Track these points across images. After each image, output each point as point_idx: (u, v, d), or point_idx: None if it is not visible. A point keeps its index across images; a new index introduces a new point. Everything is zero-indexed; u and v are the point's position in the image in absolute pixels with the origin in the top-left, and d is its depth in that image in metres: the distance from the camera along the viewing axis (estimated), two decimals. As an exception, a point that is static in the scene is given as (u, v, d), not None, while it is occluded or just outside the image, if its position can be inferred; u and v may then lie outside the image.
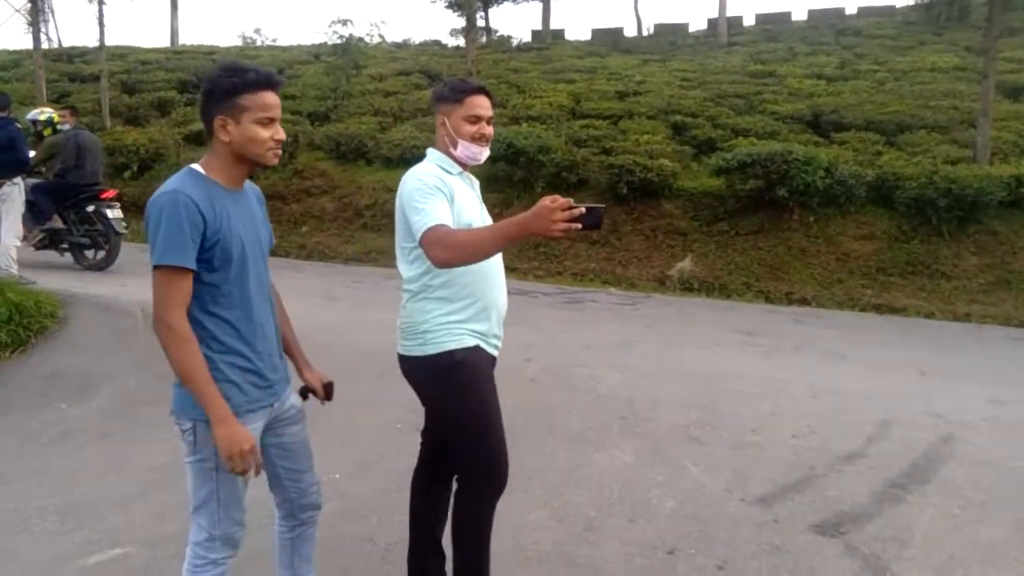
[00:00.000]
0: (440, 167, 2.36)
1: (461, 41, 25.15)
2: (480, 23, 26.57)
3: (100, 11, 16.04)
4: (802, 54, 19.23)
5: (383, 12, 35.60)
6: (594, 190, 11.07)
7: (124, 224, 8.37)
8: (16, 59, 21.73)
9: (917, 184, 9.52)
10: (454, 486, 2.50)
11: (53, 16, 28.61)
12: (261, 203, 2.20)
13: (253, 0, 73.17)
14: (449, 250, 2.04)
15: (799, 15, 25.78)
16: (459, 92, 2.37)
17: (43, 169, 8.36)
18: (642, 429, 4.34)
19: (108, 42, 17.15)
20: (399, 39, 27.66)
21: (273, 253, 2.25)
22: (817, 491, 3.59)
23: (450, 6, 29.51)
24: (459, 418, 2.33)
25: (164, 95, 16.91)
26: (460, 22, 27.77)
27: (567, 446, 4.08)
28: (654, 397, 4.80)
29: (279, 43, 29.27)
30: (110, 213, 8.10)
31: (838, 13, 24.85)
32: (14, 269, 6.93)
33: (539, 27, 28.54)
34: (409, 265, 2.34)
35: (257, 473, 1.96)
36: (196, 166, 2.00)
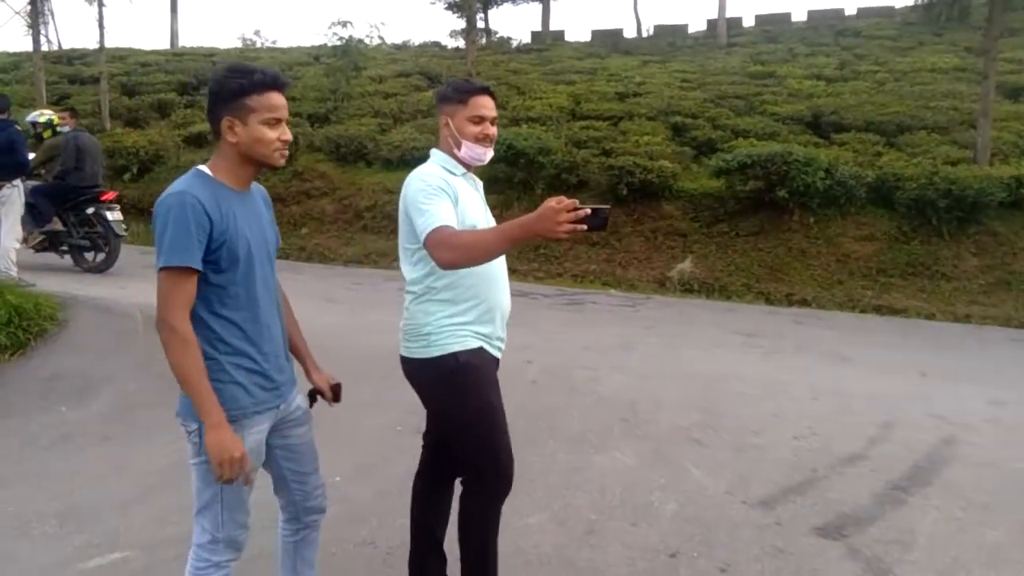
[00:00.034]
0: (444, 168, 2.35)
1: (461, 43, 25.17)
2: (480, 24, 26.59)
3: (100, 13, 16.06)
4: (802, 55, 19.23)
5: (383, 14, 35.66)
6: (594, 191, 11.07)
7: (124, 226, 8.36)
8: (16, 61, 21.73)
9: (917, 185, 9.52)
10: (455, 489, 2.49)
11: (53, 18, 28.63)
12: (268, 205, 2.20)
13: (253, 2, 73.25)
14: (454, 251, 2.03)
15: (799, 16, 25.83)
16: (463, 92, 2.36)
17: (43, 171, 8.34)
18: (643, 431, 4.32)
19: (108, 44, 17.16)
20: (399, 40, 27.73)
21: (275, 255, 2.24)
22: (819, 493, 3.58)
23: (450, 8, 29.52)
24: (463, 420, 2.32)
25: (164, 97, 16.93)
26: (460, 23, 27.80)
27: (568, 448, 4.07)
28: (655, 399, 4.79)
29: (279, 45, 29.29)
30: (110, 215, 8.09)
31: (837, 14, 24.87)
32: (13, 271, 6.92)
33: (539, 28, 28.57)
34: (412, 267, 2.33)
35: (247, 483, 1.95)
36: (203, 167, 2.00)
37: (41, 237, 8.27)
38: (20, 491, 3.62)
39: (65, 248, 8.45)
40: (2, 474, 3.82)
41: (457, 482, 2.47)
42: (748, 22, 25.95)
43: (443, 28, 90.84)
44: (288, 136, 2.00)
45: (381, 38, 18.01)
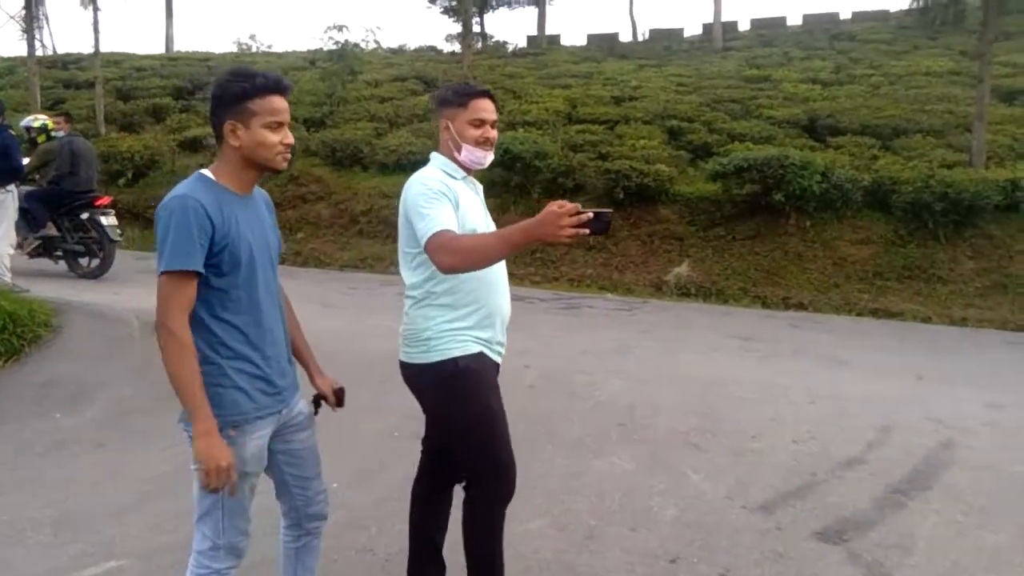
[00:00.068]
0: (444, 172, 2.33)
1: (457, 47, 25.23)
2: (475, 29, 26.59)
3: (95, 18, 16.09)
4: (797, 59, 19.28)
5: (378, 18, 35.72)
6: (591, 195, 11.07)
7: (119, 231, 8.32)
8: (10, 66, 21.70)
9: (913, 188, 9.54)
10: (454, 495, 2.47)
11: (48, 23, 28.56)
12: (270, 210, 2.20)
13: (248, 7, 73.28)
14: (455, 256, 2.02)
15: (794, 20, 25.91)
16: (463, 96, 2.35)
17: (37, 176, 8.30)
18: (641, 436, 4.31)
19: (103, 49, 17.16)
20: (394, 45, 27.74)
21: (272, 260, 2.22)
22: (819, 497, 3.57)
23: (446, 12, 29.54)
24: (464, 425, 2.30)
25: (159, 102, 16.91)
26: (456, 28, 27.85)
27: (566, 453, 4.06)
28: (653, 403, 4.78)
29: (274, 49, 29.26)
30: (105, 220, 8.05)
31: (832, 18, 24.96)
32: (8, 277, 6.88)
33: (534, 32, 28.59)
34: (412, 271, 2.32)
35: (231, 494, 1.93)
36: (206, 171, 2.01)
37: (36, 243, 8.22)
38: (14, 498, 3.59)
39: (60, 253, 8.40)
40: (-4, 481, 3.79)
41: (460, 489, 2.46)
42: (743, 26, 26.03)
43: (439, 32, 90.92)
44: (290, 139, 2.01)
45: (377, 42, 18.02)
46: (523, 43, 27.55)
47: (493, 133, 2.37)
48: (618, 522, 3.32)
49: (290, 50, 27.03)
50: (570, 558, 3.02)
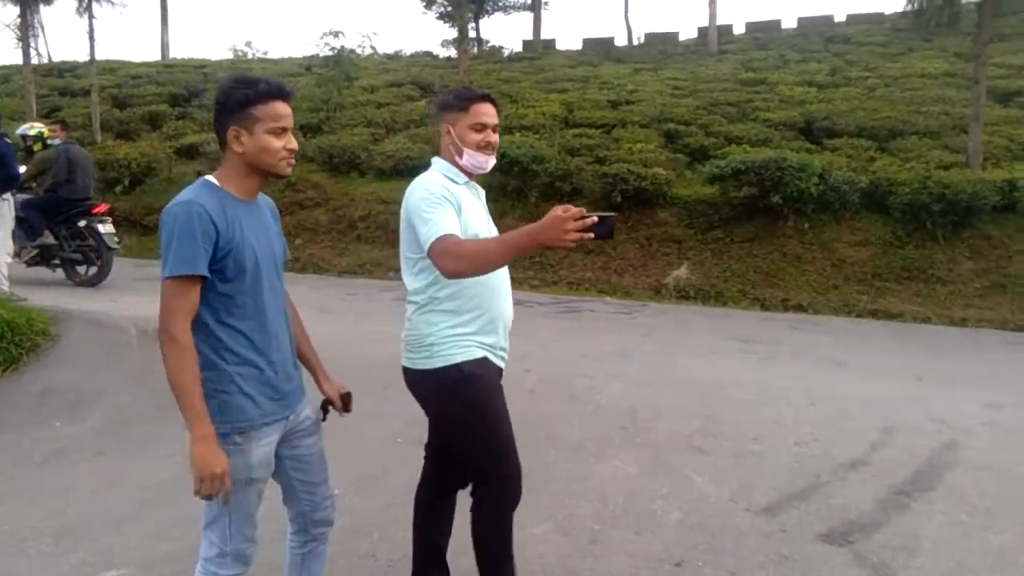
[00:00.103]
0: (446, 176, 2.33)
1: (452, 52, 25.26)
2: (471, 34, 26.63)
3: (90, 25, 16.01)
4: (793, 61, 19.33)
5: (374, 24, 35.84)
6: (588, 199, 11.06)
7: (116, 239, 8.31)
8: (6, 74, 21.70)
9: (911, 190, 9.56)
10: (457, 500, 2.46)
11: (43, 31, 28.55)
12: (275, 217, 2.20)
13: (244, 13, 73.36)
14: (458, 260, 2.01)
15: (788, 23, 25.94)
16: (464, 100, 2.34)
17: (34, 185, 8.29)
18: (643, 439, 4.30)
19: (98, 56, 17.13)
20: (390, 50, 27.75)
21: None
22: (822, 499, 3.56)
23: (441, 17, 29.61)
24: (469, 429, 2.29)
25: (155, 109, 16.90)
26: (451, 33, 27.95)
27: (568, 457, 4.04)
28: (654, 407, 4.77)
29: (270, 56, 29.27)
30: (102, 228, 8.04)
31: (827, 21, 25.02)
32: (5, 286, 6.86)
33: (530, 37, 28.63)
34: (414, 277, 2.31)
35: (225, 502, 1.92)
36: (210, 177, 2.02)
37: (33, 251, 8.21)
38: (14, 508, 3.57)
39: (57, 262, 8.38)
40: (-5, 491, 3.77)
41: (464, 494, 2.44)
42: (739, 29, 26.07)
43: (434, 38, 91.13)
44: (294, 145, 2.01)
45: (373, 48, 18.04)
46: (519, 48, 27.62)
47: (494, 137, 2.36)
48: (622, 526, 3.30)
49: (286, 56, 27.06)
50: (574, 563, 3.01)
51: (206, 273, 1.88)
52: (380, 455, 4.02)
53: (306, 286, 9.15)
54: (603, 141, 12.80)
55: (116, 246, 8.27)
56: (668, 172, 11.10)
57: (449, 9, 27.47)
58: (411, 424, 3.65)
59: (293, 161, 2.03)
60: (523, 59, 23.80)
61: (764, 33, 24.85)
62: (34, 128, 8.63)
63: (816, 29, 23.96)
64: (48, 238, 8.19)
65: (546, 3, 30.43)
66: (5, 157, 6.89)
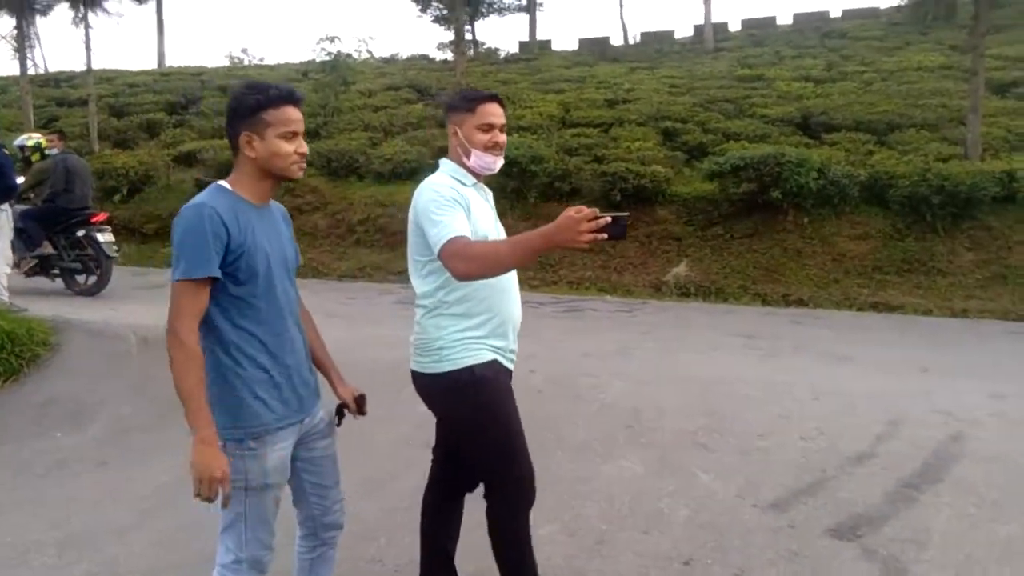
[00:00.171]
0: (454, 178, 2.30)
1: (449, 55, 25.26)
2: (467, 36, 26.64)
3: (87, 35, 16.03)
4: (789, 57, 19.35)
5: (370, 28, 35.86)
6: (587, 198, 11.05)
7: (115, 248, 8.28)
8: (3, 85, 21.70)
9: (910, 182, 9.55)
10: (464, 505, 2.44)
11: (39, 42, 28.59)
12: (287, 222, 2.21)
13: (240, 21, 73.42)
14: (470, 263, 1.99)
15: (784, 19, 26.09)
16: (471, 101, 2.32)
17: (32, 195, 8.28)
18: (648, 438, 4.27)
19: (95, 66, 17.14)
20: (387, 54, 27.76)
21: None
22: (830, 494, 3.54)
23: (437, 20, 29.64)
24: (483, 433, 2.27)
25: (152, 117, 16.91)
26: (447, 36, 27.92)
27: (575, 457, 4.02)
28: (658, 405, 4.75)
29: (266, 62, 29.28)
30: (101, 237, 8.02)
31: (823, 16, 25.06)
32: (5, 297, 6.84)
33: (526, 38, 28.67)
34: (423, 280, 2.29)
35: (225, 506, 1.91)
36: (223, 183, 2.04)
37: (32, 261, 8.18)
38: (17, 519, 3.54)
39: (56, 272, 8.36)
40: (-2, 503, 3.74)
41: (479, 498, 2.42)
42: (734, 26, 26.10)
43: (431, 41, 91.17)
44: (304, 149, 2.03)
45: (369, 52, 18.11)
46: (515, 49, 27.61)
47: (502, 137, 2.34)
48: (629, 526, 3.28)
49: (282, 62, 27.08)
50: (581, 564, 2.99)
51: (216, 275, 1.89)
52: (386, 459, 3.99)
53: (306, 290, 9.04)
54: (601, 140, 12.80)
55: (115, 255, 8.25)
56: (667, 170, 11.09)
57: (444, 12, 27.52)
58: (417, 427, 3.64)
59: (304, 165, 2.05)
60: (519, 60, 23.82)
61: (760, 30, 24.88)
62: (32, 139, 8.61)
63: (812, 25, 23.99)
64: (47, 248, 8.16)
65: (541, 4, 30.38)
66: (3, 168, 6.87)
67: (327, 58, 16.30)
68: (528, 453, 2.33)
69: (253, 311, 1.98)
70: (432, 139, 13.38)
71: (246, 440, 1.94)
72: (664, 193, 10.87)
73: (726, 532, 3.19)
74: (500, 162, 2.35)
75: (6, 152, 7.12)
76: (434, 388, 2.29)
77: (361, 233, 11.60)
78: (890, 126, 12.45)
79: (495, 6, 30.30)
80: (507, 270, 2.06)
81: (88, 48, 15.89)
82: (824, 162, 10.24)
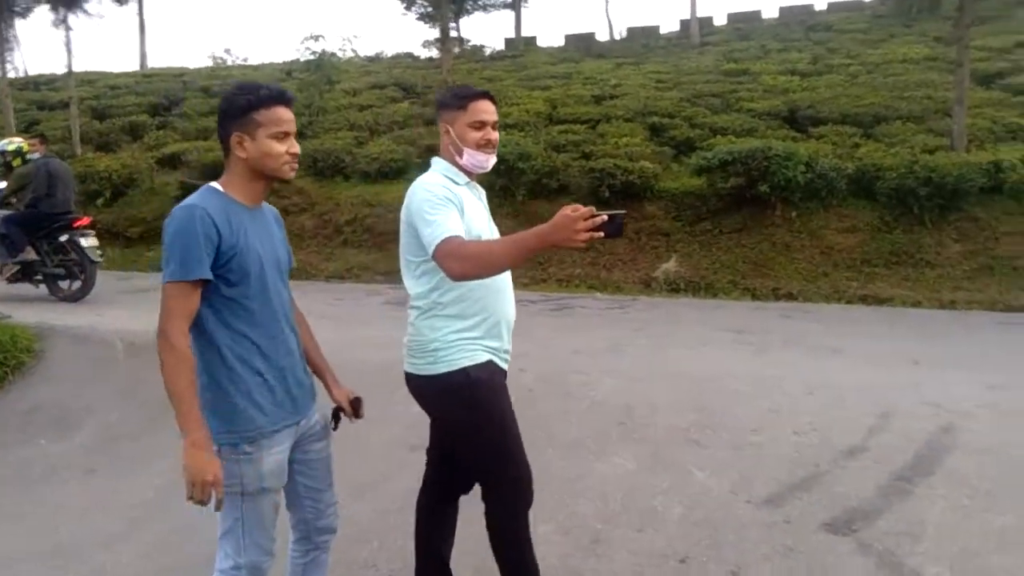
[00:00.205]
0: (447, 177, 2.27)
1: (434, 52, 25.17)
2: (452, 33, 26.56)
3: (67, 37, 15.92)
4: (774, 51, 19.38)
5: (354, 26, 35.79)
6: (575, 195, 11.02)
7: (99, 252, 8.18)
8: (-18, 90, 21.40)
9: (897, 175, 9.58)
10: (459, 506, 2.41)
11: (18, 44, 28.28)
12: (280, 224, 2.20)
13: (222, 21, 72.91)
14: (464, 262, 1.96)
15: (769, 13, 26.12)
16: (462, 98, 2.29)
17: (14, 200, 8.17)
18: (641, 435, 4.26)
19: (76, 68, 17.00)
20: (372, 53, 27.63)
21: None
22: (824, 488, 3.53)
23: (422, 18, 29.53)
24: (477, 435, 2.25)
25: (135, 119, 16.74)
26: (432, 34, 27.83)
27: (567, 455, 4.00)
28: (650, 401, 4.73)
29: (250, 62, 29.09)
30: (84, 242, 7.91)
31: (808, 9, 25.12)
32: (-12, 303, 6.76)
33: (511, 35, 28.60)
34: (416, 280, 2.25)
35: (218, 509, 1.89)
36: (215, 184, 2.02)
37: (15, 268, 8.08)
38: (4, 528, 3.50)
39: (40, 277, 8.25)
40: (-18, 513, 3.69)
41: (477, 501, 2.40)
42: (720, 21, 26.15)
43: (416, 38, 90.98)
44: (296, 149, 2.02)
45: (354, 51, 17.98)
46: (501, 46, 27.54)
47: (494, 135, 2.31)
48: (624, 524, 3.26)
49: (266, 62, 26.89)
50: (576, 563, 2.97)
51: (207, 276, 1.88)
52: (378, 461, 3.96)
53: (294, 292, 9.05)
54: (588, 136, 12.77)
55: (99, 259, 8.15)
56: (654, 165, 11.08)
57: (429, 9, 27.42)
58: (410, 429, 3.60)
59: (296, 165, 2.03)
60: (505, 57, 23.75)
61: (745, 24, 24.92)
62: (13, 143, 8.50)
63: (797, 18, 24.06)
64: (30, 254, 8.06)
65: (526, 1, 30.32)
66: (-17, 173, 6.79)
67: (311, 57, 16.19)
68: (524, 454, 2.31)
69: (246, 313, 1.96)
70: (419, 138, 13.32)
71: (241, 444, 1.93)
72: (652, 189, 10.86)
73: (721, 528, 3.18)
74: (493, 160, 2.32)
75: (-14, 157, 7.04)
76: (429, 390, 2.26)
77: (348, 233, 11.53)
78: (876, 118, 12.48)
79: (480, 3, 30.22)
80: (502, 270, 2.03)
81: (69, 50, 15.85)
82: (811, 155, 10.26)
